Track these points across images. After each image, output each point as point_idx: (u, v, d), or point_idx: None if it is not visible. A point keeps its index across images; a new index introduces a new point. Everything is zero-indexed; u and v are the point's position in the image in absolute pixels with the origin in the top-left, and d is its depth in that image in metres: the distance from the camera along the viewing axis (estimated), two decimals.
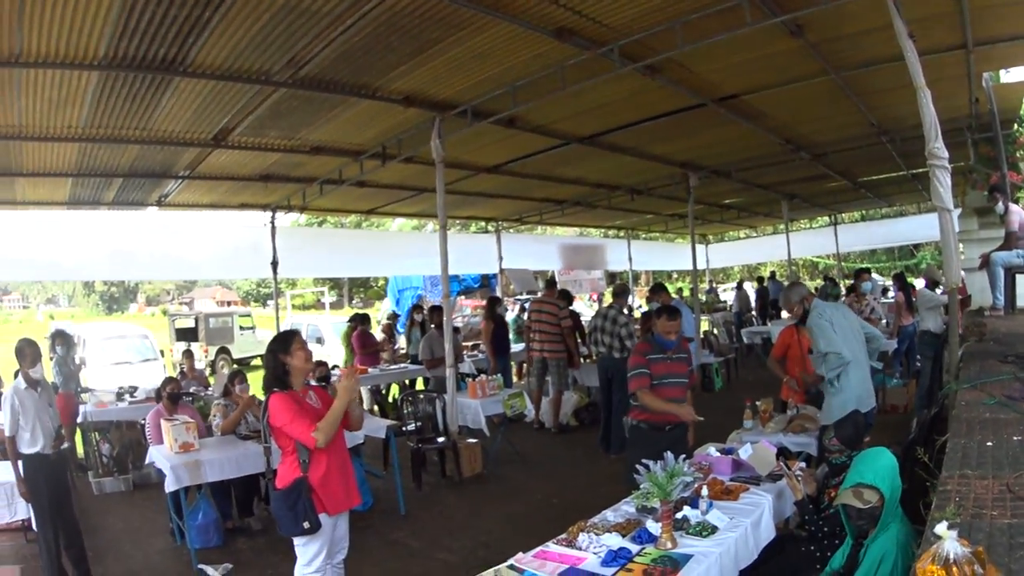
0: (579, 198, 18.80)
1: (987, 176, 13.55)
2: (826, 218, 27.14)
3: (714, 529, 4.47)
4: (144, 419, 9.63)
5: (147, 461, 8.80)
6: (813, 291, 9.77)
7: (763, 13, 7.28)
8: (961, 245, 13.20)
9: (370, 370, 14.27)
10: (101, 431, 10.96)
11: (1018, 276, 9.99)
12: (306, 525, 4.99)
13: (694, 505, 4.76)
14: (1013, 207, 10.00)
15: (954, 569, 2.15)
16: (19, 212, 14.02)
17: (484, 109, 9.89)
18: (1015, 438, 3.58)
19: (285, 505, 5.04)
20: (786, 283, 24.14)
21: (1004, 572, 2.21)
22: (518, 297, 26.64)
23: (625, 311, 12.26)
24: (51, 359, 11.68)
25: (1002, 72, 13.18)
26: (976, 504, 2.68)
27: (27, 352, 6.68)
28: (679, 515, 4.60)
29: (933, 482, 3.26)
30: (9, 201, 13.15)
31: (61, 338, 12.61)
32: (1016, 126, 14.23)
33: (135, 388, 12.77)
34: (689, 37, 7.58)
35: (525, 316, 15.49)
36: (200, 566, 7.12)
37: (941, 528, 2.25)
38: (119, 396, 12.28)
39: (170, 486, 7.37)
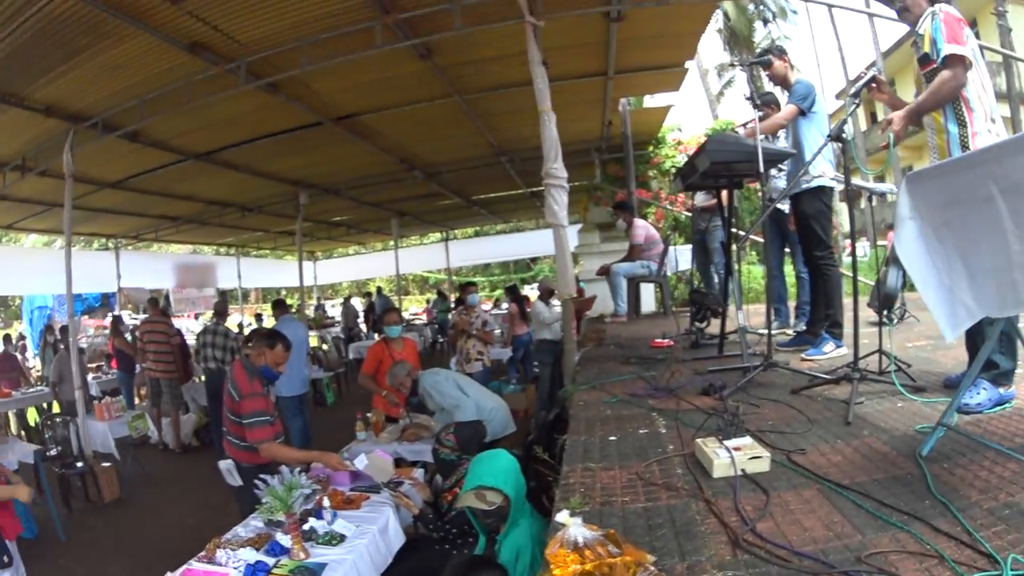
0: (193, 215, 18.28)
1: (613, 193, 14.63)
2: (439, 234, 28.07)
3: (343, 537, 4.53)
4: None
5: None
6: (427, 302, 10.00)
7: (395, 35, 7.56)
8: (582, 259, 14.19)
9: (14, 393, 13.29)
10: None
11: (643, 285, 10.89)
12: (6, 559, 5.02)
13: (319, 516, 4.75)
14: (639, 222, 10.76)
15: (586, 551, 2.21)
16: None
17: (114, 122, 9.49)
18: (641, 431, 3.81)
19: None
20: (393, 296, 24.95)
21: (648, 549, 2.35)
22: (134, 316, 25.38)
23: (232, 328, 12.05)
24: None
25: (646, 96, 14.35)
26: (605, 492, 2.82)
27: None
28: (306, 527, 4.57)
29: (557, 477, 3.43)
30: None
31: None
32: (651, 147, 15.51)
33: None
34: (316, 56, 7.72)
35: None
36: None
37: (563, 516, 2.33)
38: None
39: None
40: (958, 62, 3.80)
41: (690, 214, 10.18)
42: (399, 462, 6.28)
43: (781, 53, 6.31)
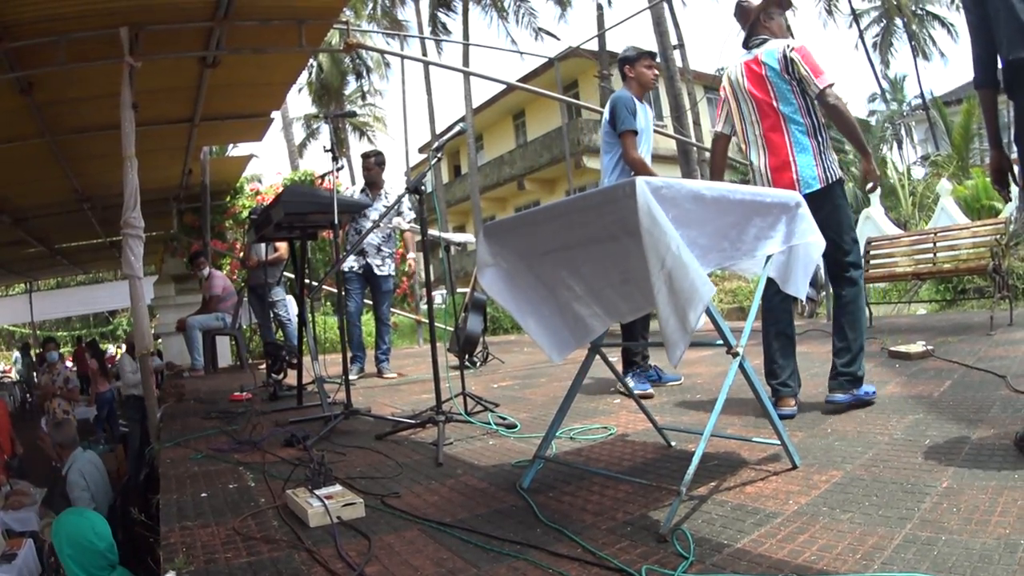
0: None
1: (189, 244, 14.19)
2: (23, 285, 25.89)
3: None
4: None
5: None
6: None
7: (1, 66, 6.90)
8: (158, 311, 13.66)
9: None
10: None
11: (218, 337, 10.64)
12: None
13: None
14: (215, 272, 10.52)
15: None
16: None
17: None
18: (231, 486, 3.67)
19: None
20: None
21: None
22: None
23: None
24: None
25: (230, 145, 14.01)
26: (207, 550, 2.69)
27: None
28: None
29: (158, 538, 3.27)
30: None
31: None
32: (229, 197, 15.21)
33: None
34: None
35: None
36: None
37: None
38: None
39: None
40: None
41: (250, 267, 10.06)
42: (7, 533, 5.74)
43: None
